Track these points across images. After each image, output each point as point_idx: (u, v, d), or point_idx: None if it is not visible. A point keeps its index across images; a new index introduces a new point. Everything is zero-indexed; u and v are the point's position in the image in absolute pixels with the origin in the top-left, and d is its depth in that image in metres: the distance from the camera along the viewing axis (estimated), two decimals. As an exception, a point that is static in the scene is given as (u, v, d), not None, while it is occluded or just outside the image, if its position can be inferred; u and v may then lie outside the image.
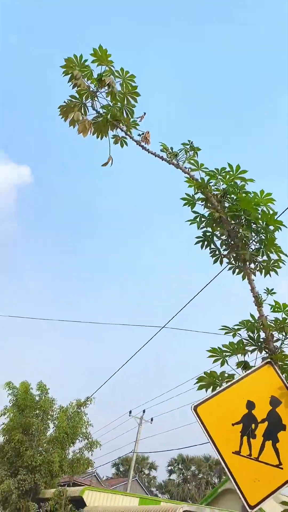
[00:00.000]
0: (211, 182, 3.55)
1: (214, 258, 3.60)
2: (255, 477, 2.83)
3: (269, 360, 3.23)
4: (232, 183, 3.40)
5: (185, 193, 3.57)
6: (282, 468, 2.87)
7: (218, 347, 3.44)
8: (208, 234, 3.59)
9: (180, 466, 47.22)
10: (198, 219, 3.59)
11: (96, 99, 3.76)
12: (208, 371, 3.28)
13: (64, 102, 3.77)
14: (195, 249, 3.61)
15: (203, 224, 3.55)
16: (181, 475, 47.20)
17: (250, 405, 3.03)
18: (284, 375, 3.21)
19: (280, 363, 3.25)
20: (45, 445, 22.09)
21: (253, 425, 2.97)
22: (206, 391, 3.31)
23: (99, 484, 34.10)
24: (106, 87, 3.69)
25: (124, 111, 3.62)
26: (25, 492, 20.19)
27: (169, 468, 47.77)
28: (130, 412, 29.53)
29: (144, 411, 29.52)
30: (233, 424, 2.96)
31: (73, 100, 3.75)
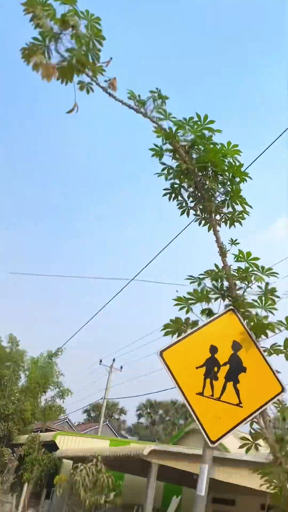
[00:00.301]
0: (179, 132, 3.51)
1: (181, 210, 3.63)
2: (216, 415, 3.03)
3: (231, 307, 3.37)
4: (200, 133, 3.37)
5: (153, 144, 3.53)
6: (241, 407, 3.09)
7: (183, 296, 3.54)
8: (175, 186, 3.60)
9: (148, 410, 49.62)
10: (166, 171, 3.57)
11: (60, 41, 3.56)
12: (174, 318, 3.40)
13: (27, 44, 3.56)
14: (163, 201, 3.63)
15: (171, 176, 3.55)
16: (149, 418, 49.70)
17: (213, 349, 3.19)
18: (245, 322, 3.37)
19: (242, 310, 3.40)
20: (17, 394, 22.62)
21: (215, 368, 3.14)
22: (172, 337, 3.43)
23: (71, 430, 35.52)
24: (70, 29, 3.50)
25: (89, 56, 3.47)
26: (-1, 439, 20.81)
27: (138, 412, 50.20)
28: (101, 361, 30.42)
29: (114, 360, 30.48)
30: (197, 368, 3.12)
31: (36, 42, 3.55)
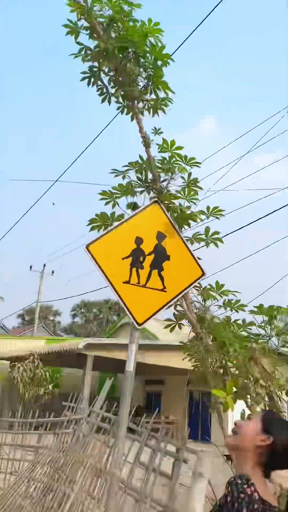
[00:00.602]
0: (96, 7, 3.16)
1: (102, 97, 3.42)
2: (142, 300, 3.20)
3: (156, 199, 3.40)
4: (118, 8, 3.06)
5: (67, 19, 3.16)
6: (166, 291, 3.27)
7: (108, 190, 3.50)
8: (94, 69, 3.33)
9: (82, 310, 51.75)
10: (83, 52, 3.27)
11: None
12: (99, 213, 3.38)
13: None
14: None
15: (89, 57, 3.26)
16: (84, 318, 52.02)
17: (139, 240, 3.26)
18: (169, 213, 3.44)
19: (166, 202, 3.45)
20: None
21: (141, 258, 3.24)
22: (98, 231, 3.45)
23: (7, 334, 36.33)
24: None
25: None
26: None
27: (73, 313, 52.23)
28: (31, 267, 30.41)
29: (44, 265, 30.58)
30: (123, 259, 3.20)
31: None
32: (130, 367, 3.07)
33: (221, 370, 3.60)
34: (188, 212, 3.40)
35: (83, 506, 3.24)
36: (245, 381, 2.78)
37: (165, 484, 3.43)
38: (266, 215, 9.27)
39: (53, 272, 31.59)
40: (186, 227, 3.51)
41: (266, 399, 2.85)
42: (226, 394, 2.57)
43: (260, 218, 9.37)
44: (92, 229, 3.54)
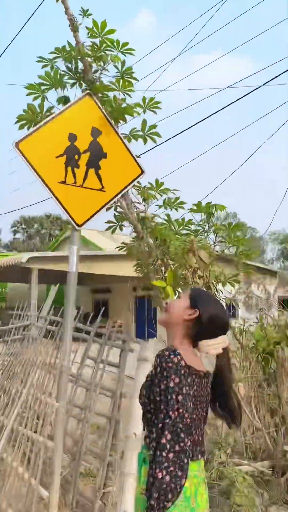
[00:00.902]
0: None
1: None
2: (81, 201, 3.11)
3: (88, 91, 3.17)
4: None
5: None
6: (104, 191, 3.19)
7: (35, 83, 3.20)
8: None
9: (23, 226, 50.53)
10: None
11: None
12: (26, 108, 3.12)
13: None
14: None
15: None
16: (25, 233, 51.00)
17: (72, 137, 3.08)
18: (103, 108, 3.23)
19: (99, 95, 3.23)
20: None
21: (76, 156, 3.09)
22: (28, 129, 3.21)
23: None
24: None
25: None
26: None
27: (13, 229, 50.90)
28: None
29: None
30: (56, 157, 3.03)
31: None
32: (73, 268, 3.07)
33: (163, 268, 3.71)
34: (124, 105, 3.21)
35: (35, 399, 3.42)
36: (184, 272, 2.89)
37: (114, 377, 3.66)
38: (211, 115, 9.01)
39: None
40: (122, 122, 3.34)
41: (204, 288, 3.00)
42: (166, 284, 2.67)
43: (205, 118, 9.13)
44: (20, 127, 3.28)
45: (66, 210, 3.05)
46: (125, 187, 3.26)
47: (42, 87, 3.17)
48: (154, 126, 3.38)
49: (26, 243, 48.30)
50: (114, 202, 3.60)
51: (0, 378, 4.62)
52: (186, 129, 9.41)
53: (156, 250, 3.55)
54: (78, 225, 3.09)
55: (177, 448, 1.48)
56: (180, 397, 1.55)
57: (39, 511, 3.48)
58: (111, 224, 3.72)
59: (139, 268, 3.95)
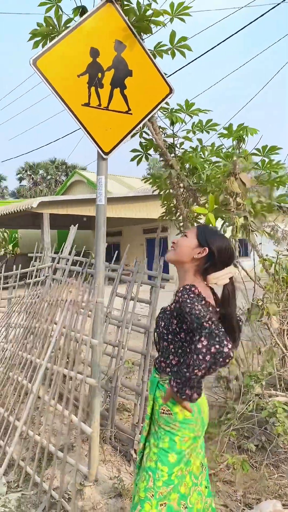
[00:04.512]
0: None
1: None
2: (106, 126, 2.84)
3: (109, -3, 2.79)
4: None
5: None
6: (131, 114, 2.90)
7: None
8: None
9: (28, 173, 49.71)
10: None
11: None
12: (44, 22, 2.76)
13: None
14: None
15: None
16: (31, 180, 50.26)
17: (94, 52, 2.75)
18: (127, 18, 2.86)
19: (120, 2, 2.85)
20: None
21: (99, 74, 2.78)
22: (43, 46, 2.87)
23: None
24: None
25: None
26: None
27: (19, 176, 50.13)
28: None
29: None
30: (78, 76, 2.72)
31: None
32: (102, 200, 2.86)
33: (191, 200, 3.49)
34: (149, 12, 2.84)
35: (66, 338, 3.34)
36: (226, 196, 2.67)
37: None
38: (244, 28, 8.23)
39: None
40: (147, 34, 2.98)
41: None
42: (208, 210, 2.47)
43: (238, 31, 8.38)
44: (35, 45, 2.94)
45: (92, 137, 2.79)
46: (153, 108, 2.96)
47: (56, -5, 2.79)
48: (184, 38, 3.01)
49: (32, 190, 47.70)
50: (140, 127, 3.32)
51: (27, 319, 4.56)
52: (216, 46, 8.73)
53: (186, 179, 3.30)
54: (105, 153, 2.84)
55: (213, 350, 1.55)
56: (210, 314, 1.66)
57: (81, 446, 3.52)
58: (137, 153, 3.45)
59: (165, 202, 3.73)
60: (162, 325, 1.84)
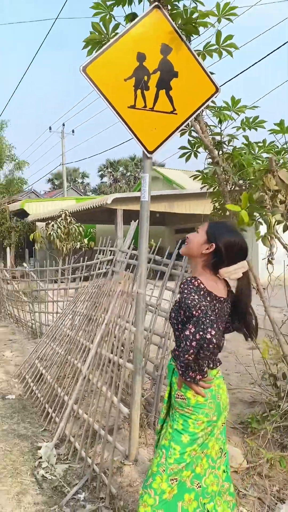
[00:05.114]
0: None
1: None
2: (151, 126, 2.98)
3: (156, 4, 2.92)
4: None
5: None
6: (176, 114, 3.02)
7: (99, 2, 3.02)
8: None
9: (109, 170, 51.37)
10: None
11: None
12: (92, 29, 2.97)
13: None
14: None
15: None
16: (111, 177, 51.89)
17: (141, 57, 2.91)
18: (174, 22, 2.98)
19: (168, 7, 2.97)
20: (-27, 174, 22.54)
21: (145, 77, 2.93)
22: (96, 52, 3.08)
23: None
24: None
25: None
26: None
27: (100, 173, 52.05)
28: (50, 128, 29.47)
29: (63, 125, 29.56)
30: (125, 80, 2.90)
31: None
32: (145, 197, 3.01)
33: (241, 197, 3.51)
34: (195, 15, 2.93)
35: (115, 326, 3.56)
36: (262, 194, 2.69)
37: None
38: None
39: (73, 131, 30.66)
40: (194, 36, 3.07)
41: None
42: (241, 207, 2.51)
43: None
44: (89, 53, 3.16)
45: (136, 137, 2.95)
46: (198, 108, 3.05)
47: (108, 3, 2.98)
48: (230, 37, 3.06)
49: (112, 187, 49.22)
50: (187, 126, 3.42)
51: (87, 308, 4.88)
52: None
53: (234, 176, 3.34)
54: (149, 152, 2.99)
55: (197, 336, 1.65)
56: (203, 303, 1.75)
57: (124, 427, 3.74)
58: (185, 151, 3.56)
59: (215, 199, 3.79)
60: (173, 316, 1.95)
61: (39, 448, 3.57)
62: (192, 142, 3.48)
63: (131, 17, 3.09)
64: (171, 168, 26.97)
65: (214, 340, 1.64)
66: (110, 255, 5.73)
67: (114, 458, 3.12)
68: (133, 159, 49.95)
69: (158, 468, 1.92)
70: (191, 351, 1.66)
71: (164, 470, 1.90)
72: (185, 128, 3.40)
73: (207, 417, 1.93)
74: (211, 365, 1.93)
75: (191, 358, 1.68)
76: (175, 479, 1.91)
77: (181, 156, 3.58)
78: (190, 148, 3.53)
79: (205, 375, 1.77)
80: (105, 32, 2.98)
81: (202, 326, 1.65)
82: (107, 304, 4.16)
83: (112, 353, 3.59)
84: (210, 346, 1.64)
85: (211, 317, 1.69)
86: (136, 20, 2.91)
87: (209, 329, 1.64)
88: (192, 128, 3.37)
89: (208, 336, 1.63)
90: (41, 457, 3.44)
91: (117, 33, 2.98)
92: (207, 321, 1.66)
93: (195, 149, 3.53)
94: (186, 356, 1.67)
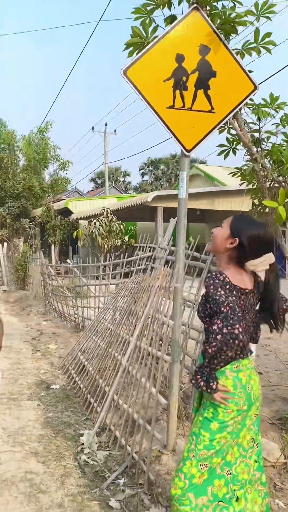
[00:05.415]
0: None
1: None
2: (190, 125, 3.06)
3: (195, 5, 2.99)
4: None
5: None
6: (214, 112, 3.08)
7: (140, 5, 3.12)
8: None
9: (150, 168, 51.56)
10: None
11: None
12: (132, 33, 3.08)
13: None
14: None
15: None
16: (152, 175, 52.04)
17: (180, 58, 2.99)
18: (212, 22, 3.03)
19: (207, 8, 3.03)
20: (20, 174, 23.33)
21: (184, 78, 3.00)
22: (137, 55, 3.19)
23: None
24: None
25: None
26: (16, 215, 22.54)
27: (141, 172, 52.35)
28: (93, 128, 29.99)
29: (106, 124, 29.98)
30: (164, 81, 2.99)
31: None
32: (183, 194, 3.10)
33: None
34: (233, 15, 2.97)
35: (153, 320, 3.67)
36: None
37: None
38: None
39: (115, 130, 31.08)
40: (232, 35, 3.11)
41: None
42: (278, 204, 2.54)
43: None
44: (129, 54, 3.27)
45: (174, 136, 3.03)
46: (236, 106, 3.09)
47: (148, 8, 3.08)
48: (268, 34, 3.07)
49: (153, 185, 49.38)
50: (226, 123, 3.46)
51: (126, 303, 5.03)
52: None
53: (273, 173, 3.35)
54: (187, 151, 3.07)
55: (224, 330, 1.73)
56: (229, 299, 1.83)
57: (162, 419, 3.84)
58: (223, 148, 3.60)
59: (254, 195, 3.81)
60: (201, 310, 2.01)
61: (81, 435, 3.74)
62: (231, 139, 3.52)
63: (170, 19, 3.17)
64: (213, 165, 26.80)
65: (241, 337, 1.72)
66: (149, 251, 5.84)
67: (152, 447, 3.24)
68: (174, 157, 49.82)
69: (188, 454, 2.01)
70: (214, 343, 1.74)
71: (194, 455, 1.99)
72: (223, 126, 3.45)
73: (237, 406, 1.99)
74: (241, 355, 1.98)
75: (211, 351, 1.76)
76: (205, 465, 1.99)
77: (219, 154, 3.63)
78: (228, 145, 3.57)
79: (208, 386, 1.90)
80: (145, 35, 3.08)
81: (230, 322, 1.73)
82: (146, 298, 4.27)
83: (150, 346, 3.71)
84: (237, 341, 1.72)
85: (239, 314, 1.77)
86: (175, 22, 2.99)
87: (237, 325, 1.72)
88: (231, 126, 3.41)
89: (236, 331, 1.72)
90: (83, 444, 3.61)
91: (156, 36, 3.07)
92: (235, 318, 1.74)
93: (233, 146, 3.57)
94: (207, 348, 1.77)
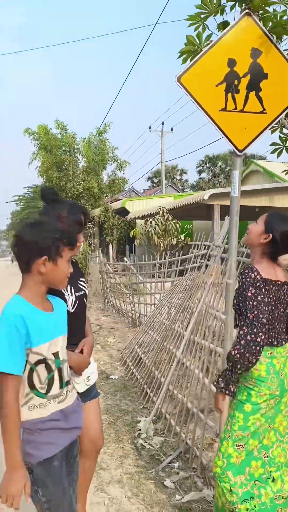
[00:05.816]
0: None
1: None
2: (241, 126, 3.17)
3: (247, 11, 3.10)
4: None
5: None
6: (265, 113, 3.17)
7: (194, 13, 3.28)
8: None
9: (208, 165, 51.10)
10: None
11: None
12: (186, 41, 3.24)
13: None
14: None
15: None
16: (210, 172, 51.57)
17: (231, 62, 3.11)
18: (265, 27, 3.13)
19: (259, 12, 3.12)
20: (80, 176, 24.16)
21: (235, 81, 3.12)
22: (190, 61, 3.35)
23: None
24: None
25: None
26: (76, 215, 23.28)
27: (198, 169, 52.00)
28: (150, 127, 30.35)
29: (163, 123, 30.22)
30: (216, 85, 3.12)
31: None
32: (235, 192, 3.21)
33: None
34: (285, 17, 3.04)
35: (204, 313, 3.82)
36: None
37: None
38: None
39: (172, 129, 31.22)
40: (284, 37, 3.18)
41: None
42: None
43: None
44: (184, 61, 3.44)
45: (227, 137, 3.16)
46: (288, 106, 3.16)
47: (202, 16, 3.23)
48: None
49: (211, 182, 48.96)
50: (278, 123, 3.53)
51: (181, 299, 5.20)
52: None
53: None
54: (239, 151, 3.18)
55: (248, 338, 1.93)
56: (255, 303, 1.99)
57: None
58: (276, 147, 3.67)
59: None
60: (235, 303, 2.15)
61: (139, 421, 3.97)
62: (283, 138, 3.58)
63: (223, 25, 3.30)
64: (273, 161, 26.17)
65: (262, 344, 1.92)
66: (204, 249, 5.97)
67: (205, 435, 3.40)
68: (232, 153, 49.07)
69: (225, 435, 2.16)
70: (238, 346, 1.94)
71: (229, 436, 2.13)
72: (275, 125, 3.52)
73: (269, 390, 2.09)
74: (275, 343, 2.13)
75: (234, 353, 1.95)
76: (241, 445, 2.12)
77: (272, 152, 3.70)
78: (281, 144, 3.64)
79: (222, 390, 2.13)
80: (198, 42, 3.23)
81: (255, 330, 1.93)
82: (199, 294, 4.43)
83: (204, 339, 3.86)
84: (258, 348, 1.92)
85: (263, 320, 1.96)
86: (228, 28, 3.11)
87: (260, 334, 1.93)
88: (283, 125, 3.48)
89: (258, 339, 1.92)
90: (140, 429, 3.84)
91: (209, 42, 3.21)
92: (259, 325, 1.94)
93: (286, 145, 3.62)
94: (231, 349, 1.98)
